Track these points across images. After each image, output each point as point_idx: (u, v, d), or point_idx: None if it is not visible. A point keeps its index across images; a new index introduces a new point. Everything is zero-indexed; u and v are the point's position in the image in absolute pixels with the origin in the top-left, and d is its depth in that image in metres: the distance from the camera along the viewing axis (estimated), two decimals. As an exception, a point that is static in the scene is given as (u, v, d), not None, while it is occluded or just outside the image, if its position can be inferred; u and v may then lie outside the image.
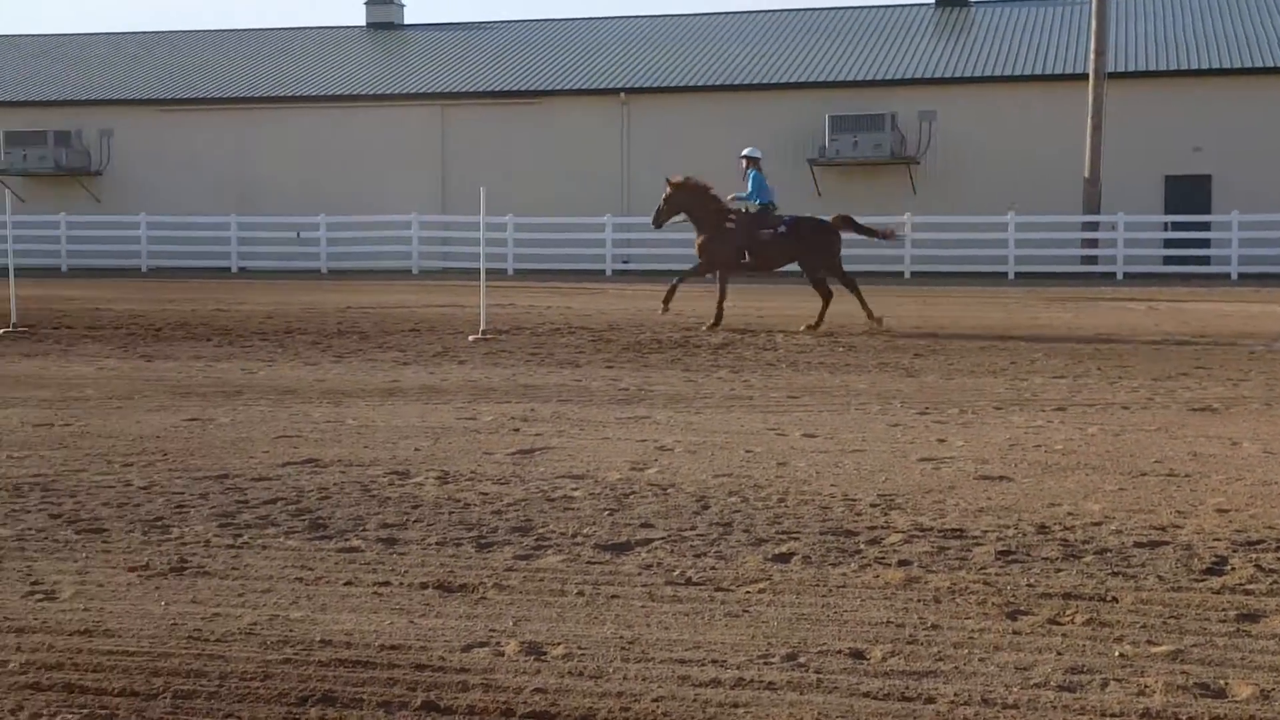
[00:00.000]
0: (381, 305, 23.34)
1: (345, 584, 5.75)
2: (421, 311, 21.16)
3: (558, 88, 41.20)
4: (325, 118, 41.93)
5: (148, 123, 42.90)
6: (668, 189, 18.86)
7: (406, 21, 50.17)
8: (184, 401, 11.40)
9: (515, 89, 41.56)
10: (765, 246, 18.22)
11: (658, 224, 19.19)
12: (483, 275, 18.33)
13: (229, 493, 7.58)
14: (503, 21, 49.43)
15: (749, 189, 18.69)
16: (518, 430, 9.85)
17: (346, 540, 6.49)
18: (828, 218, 19.02)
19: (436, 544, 6.41)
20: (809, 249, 18.41)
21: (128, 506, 7.22)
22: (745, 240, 18.30)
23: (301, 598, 5.55)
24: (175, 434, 9.67)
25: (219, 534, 6.61)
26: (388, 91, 42.39)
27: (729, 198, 18.98)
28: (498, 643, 4.96)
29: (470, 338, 16.88)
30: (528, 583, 5.75)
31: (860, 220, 19.28)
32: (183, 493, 7.58)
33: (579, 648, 4.90)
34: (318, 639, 5.00)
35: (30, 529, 6.70)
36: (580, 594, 5.58)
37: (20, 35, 53.43)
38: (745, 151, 19.13)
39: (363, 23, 49.77)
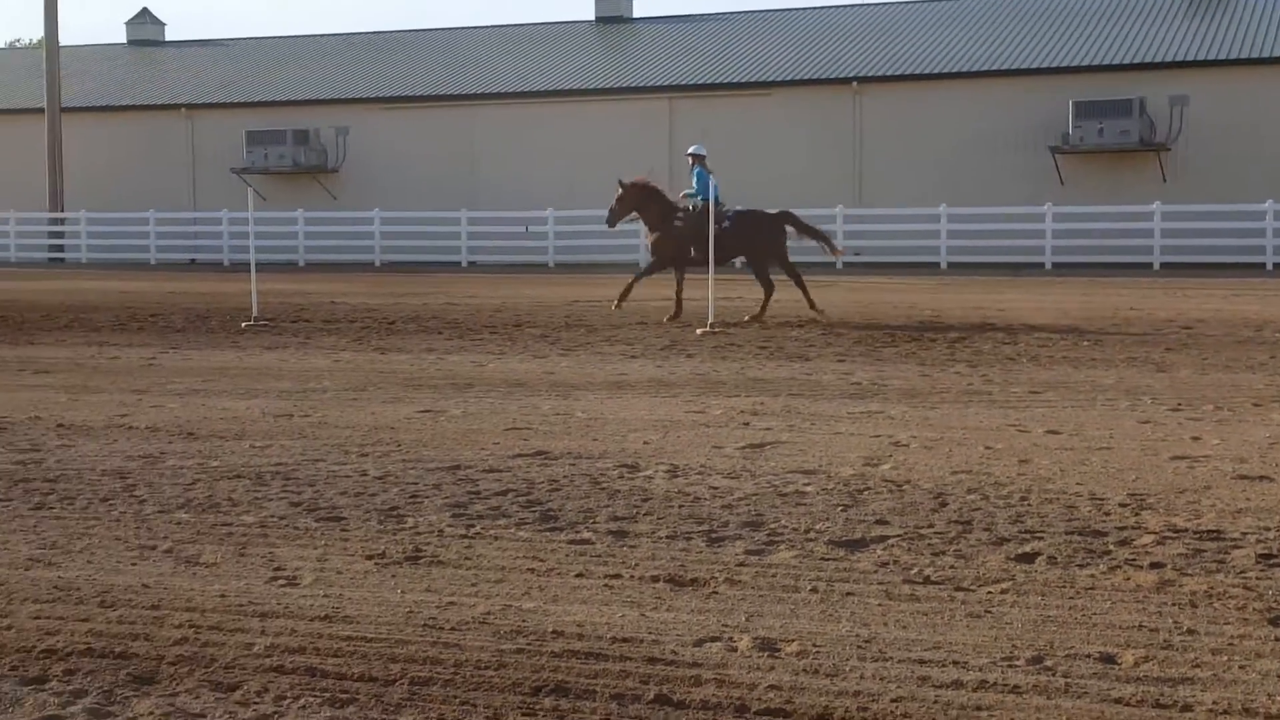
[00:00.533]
0: (609, 299, 23.60)
1: (576, 576, 5.81)
2: (649, 305, 21.28)
3: (788, 78, 41.05)
4: (553, 112, 42.59)
5: (381, 120, 44.21)
6: (619, 190, 19.71)
7: (635, 15, 50.65)
8: (416, 393, 11.71)
9: (744, 80, 41.56)
10: (715, 242, 18.49)
11: (611, 223, 20.14)
12: (711, 267, 18.37)
13: (461, 483, 7.74)
14: (730, 13, 49.50)
15: (694, 186, 19.37)
16: (747, 424, 9.84)
17: (577, 532, 6.56)
18: (773, 210, 19.59)
19: (667, 537, 6.43)
20: (755, 243, 19.12)
21: (364, 496, 7.44)
22: (693, 236, 18.95)
23: (533, 588, 5.63)
24: (408, 425, 9.93)
25: (452, 524, 6.76)
26: (616, 85, 42.84)
27: (680, 195, 19.74)
28: (730, 638, 4.95)
29: (698, 331, 16.93)
30: (760, 578, 5.73)
31: (803, 220, 19.68)
32: (416, 483, 7.77)
33: (814, 645, 4.85)
34: (550, 630, 5.06)
35: (272, 516, 6.96)
36: (814, 590, 5.54)
37: (262, 38, 55.70)
38: (691, 149, 19.89)
39: (591, 17, 50.41)
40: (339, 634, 5.04)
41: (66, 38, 47.86)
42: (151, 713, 4.31)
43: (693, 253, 19.03)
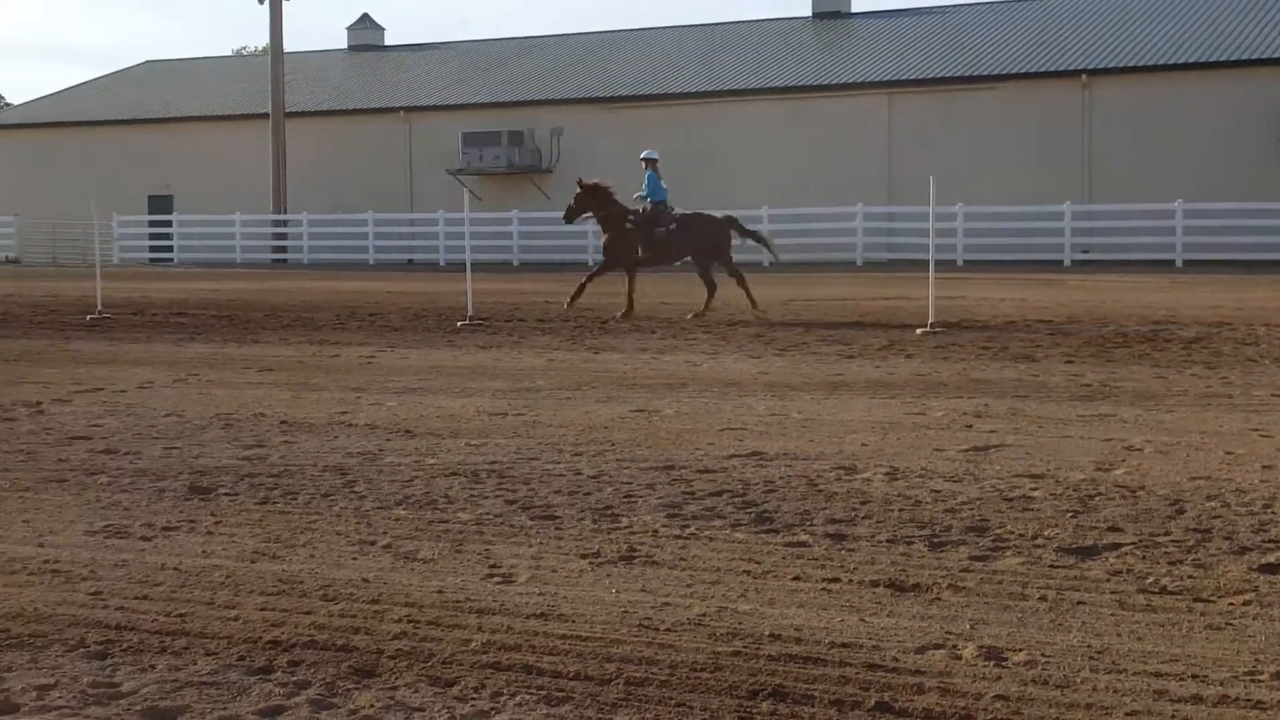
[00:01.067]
0: (826, 298, 23.45)
1: (793, 579, 5.76)
2: (866, 304, 21.09)
3: (1012, 71, 40.24)
4: (770, 110, 42.51)
5: (596, 120, 44.74)
6: (578, 189, 20.89)
7: (853, 10, 50.25)
8: (630, 393, 11.79)
9: (966, 74, 40.87)
10: (660, 242, 19.91)
11: (568, 220, 21.58)
12: (931, 266, 18.09)
13: (675, 484, 7.76)
14: (951, 6, 48.72)
15: (644, 189, 20.40)
16: (970, 426, 9.65)
17: (794, 535, 6.51)
18: (718, 214, 20.96)
19: (887, 541, 6.34)
20: (700, 243, 20.15)
21: (578, 494, 7.51)
22: (642, 238, 20.11)
23: (749, 591, 5.61)
24: (622, 424, 10.00)
25: (666, 524, 6.77)
26: (833, 82, 42.56)
27: (633, 197, 20.73)
28: (954, 645, 4.85)
29: (918, 331, 16.69)
30: (985, 585, 5.60)
31: (744, 225, 20.97)
32: (630, 482, 7.81)
33: (1042, 655, 4.73)
34: (767, 633, 5.03)
35: (488, 514, 7.07)
36: (1042, 599, 5.39)
37: (478, 40, 56.86)
38: (644, 154, 20.94)
39: (808, 13, 50.17)
40: (554, 632, 5.09)
41: (290, 44, 49.55)
42: (372, 705, 4.41)
43: (640, 253, 20.27)
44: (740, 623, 5.16)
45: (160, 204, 51.16)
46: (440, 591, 5.64)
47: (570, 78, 48.09)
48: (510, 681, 4.60)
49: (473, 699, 4.46)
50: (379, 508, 7.26)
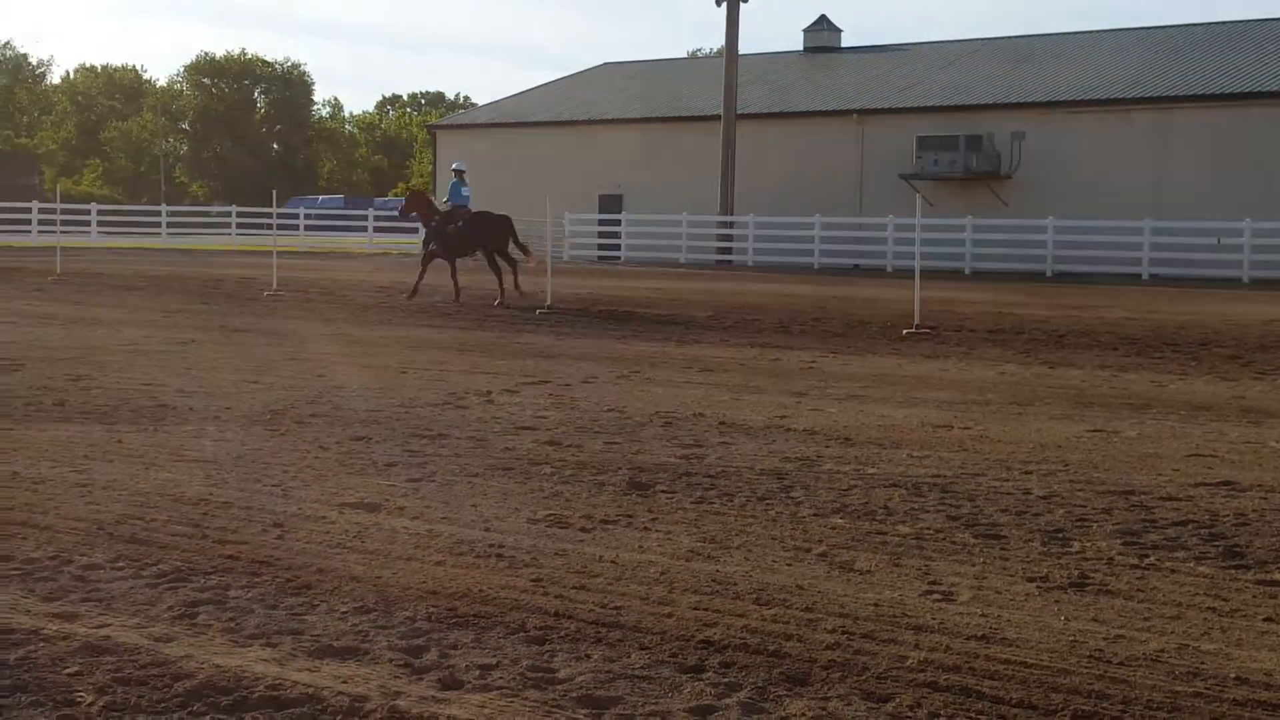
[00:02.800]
0: (1311, 320, 22.01)
1: (1265, 620, 5.43)
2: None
3: None
4: (1260, 116, 40.27)
5: (1060, 124, 43.54)
6: (406, 196, 26.78)
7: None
8: (1087, 411, 11.40)
9: None
10: (451, 238, 25.12)
11: (401, 217, 27.80)
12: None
13: (1134, 510, 7.45)
14: None
15: (448, 194, 26.04)
16: None
17: (1267, 572, 6.14)
18: (500, 214, 25.81)
19: (1377, 588, 5.88)
20: (483, 238, 24.95)
21: (1026, 515, 7.32)
22: (437, 236, 25.34)
23: (1214, 629, 5.32)
24: (1077, 444, 9.68)
25: (1123, 552, 6.51)
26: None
27: (441, 201, 26.25)
28: None
29: None
30: None
31: (516, 231, 25.02)
32: (1084, 506, 7.55)
33: None
34: (1232, 675, 4.76)
35: (929, 529, 6.99)
36: None
37: (936, 42, 56.44)
38: (454, 165, 26.70)
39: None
40: (996, 655, 4.97)
41: (745, 46, 50.48)
42: (804, 714, 4.43)
43: (433, 246, 25.51)
44: (1202, 662, 4.90)
45: (611, 203, 53.16)
46: (876, 605, 5.61)
47: (1031, 80, 46.99)
48: (948, 703, 4.52)
49: (907, 717, 4.42)
50: (815, 515, 7.29)
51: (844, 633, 5.23)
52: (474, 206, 26.39)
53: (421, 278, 25.35)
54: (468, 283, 25.45)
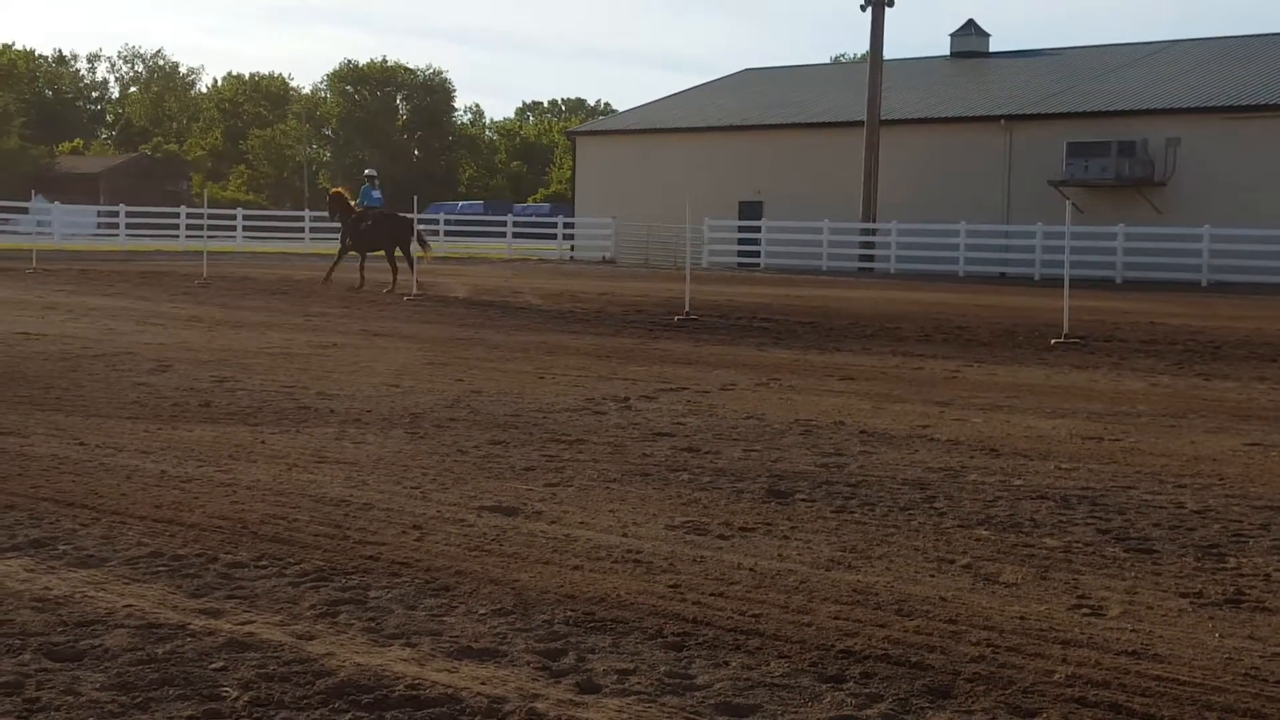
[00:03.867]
0: None
1: None
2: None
3: None
4: None
5: (1217, 131, 42.62)
6: (329, 197, 31.01)
7: None
8: (1244, 425, 11.14)
9: None
10: (361, 235, 29.10)
11: (330, 217, 31.15)
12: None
13: (1293, 526, 7.26)
14: None
15: (360, 196, 30.18)
16: None
17: None
18: (405, 215, 29.84)
19: None
20: (386, 237, 28.94)
21: (1179, 529, 7.17)
22: (352, 232, 29.27)
23: (1378, 651, 5.17)
24: (1233, 458, 9.47)
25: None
26: None
27: (355, 203, 29.93)
28: None
29: None
30: None
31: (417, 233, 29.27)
32: (1240, 521, 7.39)
33: None
34: (1397, 699, 4.62)
35: (1077, 542, 6.88)
36: None
37: (1087, 47, 55.54)
38: (366, 172, 32.03)
39: None
40: (1147, 672, 4.88)
41: (891, 51, 50.19)
42: (945, 727, 4.39)
43: (348, 242, 29.42)
44: (1366, 685, 4.77)
45: (750, 209, 53.12)
46: (1022, 618, 5.54)
47: (1187, 86, 46.06)
48: (1096, 719, 4.45)
49: (1054, 733, 4.35)
50: (959, 526, 7.21)
51: (989, 645, 5.17)
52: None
53: (334, 268, 29.99)
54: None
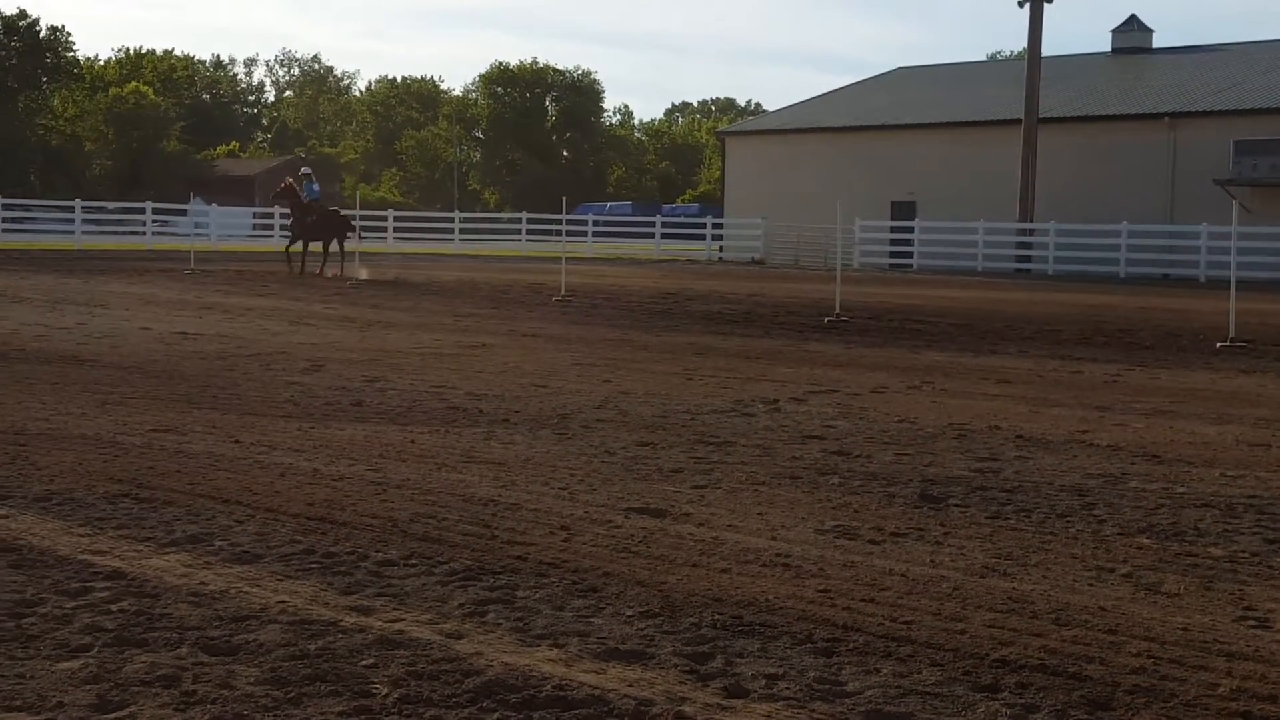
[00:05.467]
0: None
1: None
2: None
3: None
4: None
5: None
6: (282, 187, 34.78)
7: None
8: None
9: None
10: (305, 226, 33.16)
11: (280, 205, 37.78)
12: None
13: None
14: None
15: (305, 191, 33.77)
16: None
17: None
18: (345, 212, 35.08)
19: None
20: (326, 230, 33.05)
21: (1353, 540, 6.96)
22: (299, 224, 33.41)
23: None
24: None
25: None
26: None
27: (302, 198, 33.79)
28: None
29: None
30: None
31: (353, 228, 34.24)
32: None
33: None
34: None
35: (1243, 552, 6.71)
36: None
37: (1255, 42, 54.16)
38: (302, 170, 35.39)
39: None
40: (1322, 688, 4.75)
41: (1049, 48, 49.41)
42: (1103, 739, 4.31)
43: (299, 232, 33.42)
44: None
45: (903, 209, 52.67)
46: (1185, 629, 5.42)
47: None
48: (1263, 736, 4.34)
49: (1218, 748, 4.25)
50: (1120, 534, 7.08)
51: (1150, 657, 5.07)
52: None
53: (291, 258, 33.81)
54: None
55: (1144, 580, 6.17)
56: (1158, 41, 58.04)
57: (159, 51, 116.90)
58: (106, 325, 18.39)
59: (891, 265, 50.35)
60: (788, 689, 4.72)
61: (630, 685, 4.72)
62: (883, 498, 7.92)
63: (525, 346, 16.91)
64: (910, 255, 50.36)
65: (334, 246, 33.38)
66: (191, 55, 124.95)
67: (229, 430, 9.90)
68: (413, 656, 4.97)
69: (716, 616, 5.52)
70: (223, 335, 17.37)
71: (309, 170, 35.93)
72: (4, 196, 52.27)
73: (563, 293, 26.74)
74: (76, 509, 7.25)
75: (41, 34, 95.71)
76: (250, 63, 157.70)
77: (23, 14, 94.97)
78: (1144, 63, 55.50)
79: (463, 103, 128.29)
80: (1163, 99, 48.79)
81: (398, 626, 5.32)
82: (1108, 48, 58.62)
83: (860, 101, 60.08)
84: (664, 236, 59.68)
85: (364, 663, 4.89)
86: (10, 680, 4.65)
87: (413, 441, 9.58)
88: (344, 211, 35.27)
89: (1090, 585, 6.09)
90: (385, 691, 4.61)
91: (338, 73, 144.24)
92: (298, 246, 33.90)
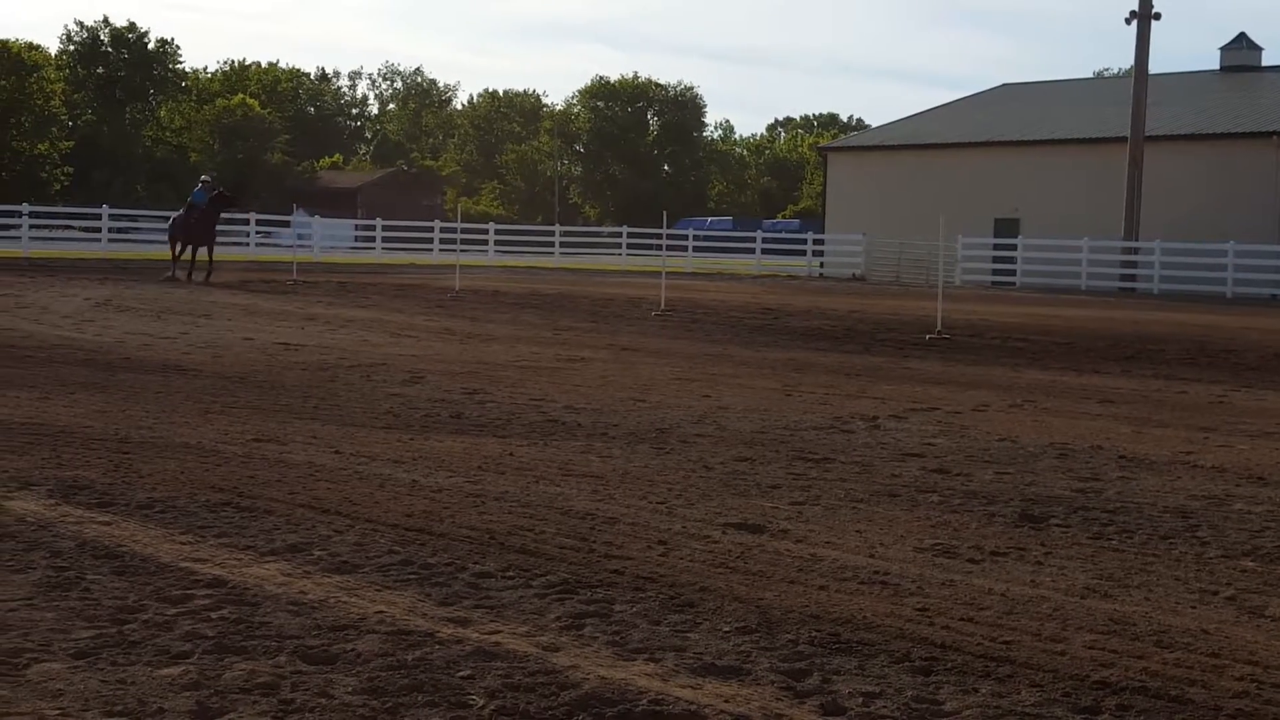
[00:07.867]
0: None
1: None
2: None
3: None
4: None
5: None
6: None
7: None
8: None
9: None
10: (188, 228, 34.64)
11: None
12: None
13: None
14: None
15: (193, 196, 35.70)
16: None
17: None
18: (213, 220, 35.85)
19: None
20: (200, 234, 34.44)
21: None
22: (182, 224, 35.04)
23: None
24: None
25: None
26: None
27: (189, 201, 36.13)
28: None
29: None
30: None
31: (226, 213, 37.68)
32: None
33: None
34: None
35: (1353, 577, 6.58)
36: None
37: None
38: (203, 177, 38.16)
39: None
40: None
41: (1156, 65, 48.79)
42: (1206, 766, 4.24)
43: (185, 234, 34.87)
44: None
45: (1006, 227, 52.20)
46: (1291, 654, 5.32)
47: None
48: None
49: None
50: (1224, 556, 6.97)
51: (1253, 681, 4.99)
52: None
53: (179, 257, 35.12)
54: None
55: (1248, 603, 6.07)
56: (1267, 60, 57.11)
57: (264, 64, 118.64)
58: (210, 335, 18.69)
59: (994, 282, 49.90)
60: (885, 708, 4.69)
61: (726, 701, 4.71)
62: (983, 516, 7.86)
63: (624, 360, 16.95)
64: (1013, 272, 49.88)
65: (202, 254, 34.81)
66: (296, 68, 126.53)
67: (329, 441, 10.01)
68: (509, 668, 5.00)
69: (814, 633, 5.50)
70: (324, 346, 17.57)
71: (208, 177, 38.65)
72: (111, 206, 53.15)
73: (662, 307, 26.79)
74: (178, 516, 7.37)
75: (150, 46, 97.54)
76: (354, 75, 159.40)
77: (132, 26, 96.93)
78: (1254, 80, 54.63)
79: (564, 116, 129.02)
80: (1272, 117, 47.98)
81: (495, 638, 5.36)
82: (1216, 65, 57.79)
83: (964, 118, 59.68)
84: (764, 252, 59.54)
85: (461, 674, 4.93)
86: (111, 685, 4.73)
87: (511, 454, 9.63)
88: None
89: (1193, 608, 6.00)
90: (482, 703, 4.64)
91: (440, 86, 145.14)
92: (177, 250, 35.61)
